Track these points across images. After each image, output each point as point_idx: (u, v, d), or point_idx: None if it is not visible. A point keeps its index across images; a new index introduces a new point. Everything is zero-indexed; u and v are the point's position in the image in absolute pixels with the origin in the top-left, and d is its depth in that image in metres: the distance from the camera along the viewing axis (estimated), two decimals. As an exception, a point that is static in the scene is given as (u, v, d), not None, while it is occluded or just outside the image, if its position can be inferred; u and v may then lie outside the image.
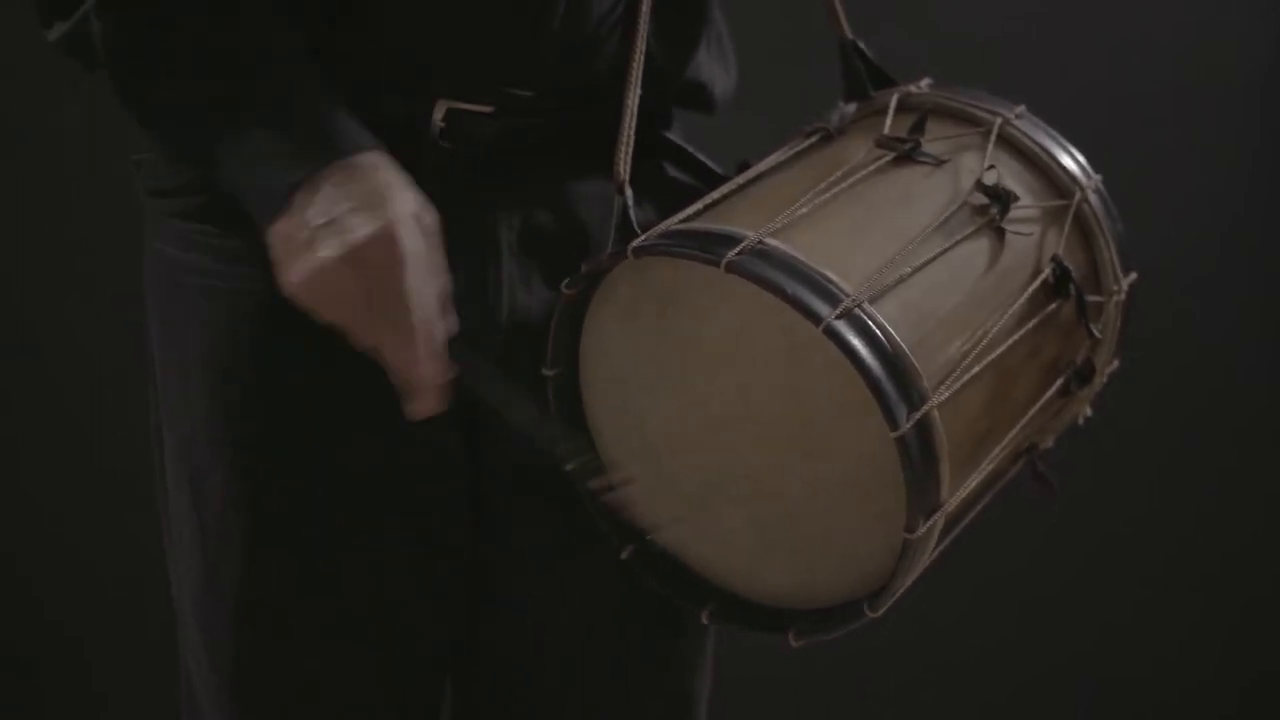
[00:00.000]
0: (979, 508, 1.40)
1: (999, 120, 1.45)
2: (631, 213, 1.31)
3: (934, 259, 1.30)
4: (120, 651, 2.50)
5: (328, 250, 1.23)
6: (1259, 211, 2.62)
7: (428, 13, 1.33)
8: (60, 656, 2.55)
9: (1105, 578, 2.68)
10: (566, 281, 1.32)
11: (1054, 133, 1.47)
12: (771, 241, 1.26)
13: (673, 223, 1.31)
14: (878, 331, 1.23)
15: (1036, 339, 1.36)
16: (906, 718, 2.72)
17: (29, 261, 2.42)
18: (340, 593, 1.42)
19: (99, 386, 2.40)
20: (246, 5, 1.29)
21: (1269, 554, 2.70)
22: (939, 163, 1.39)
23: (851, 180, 1.35)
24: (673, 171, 1.47)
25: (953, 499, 1.27)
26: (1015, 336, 1.33)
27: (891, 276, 1.27)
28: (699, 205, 1.34)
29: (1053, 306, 1.38)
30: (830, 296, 1.23)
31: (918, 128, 1.41)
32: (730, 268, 1.24)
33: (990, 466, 1.33)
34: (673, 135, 1.49)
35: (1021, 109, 1.47)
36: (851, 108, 1.50)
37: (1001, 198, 1.36)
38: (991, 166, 1.39)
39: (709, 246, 1.26)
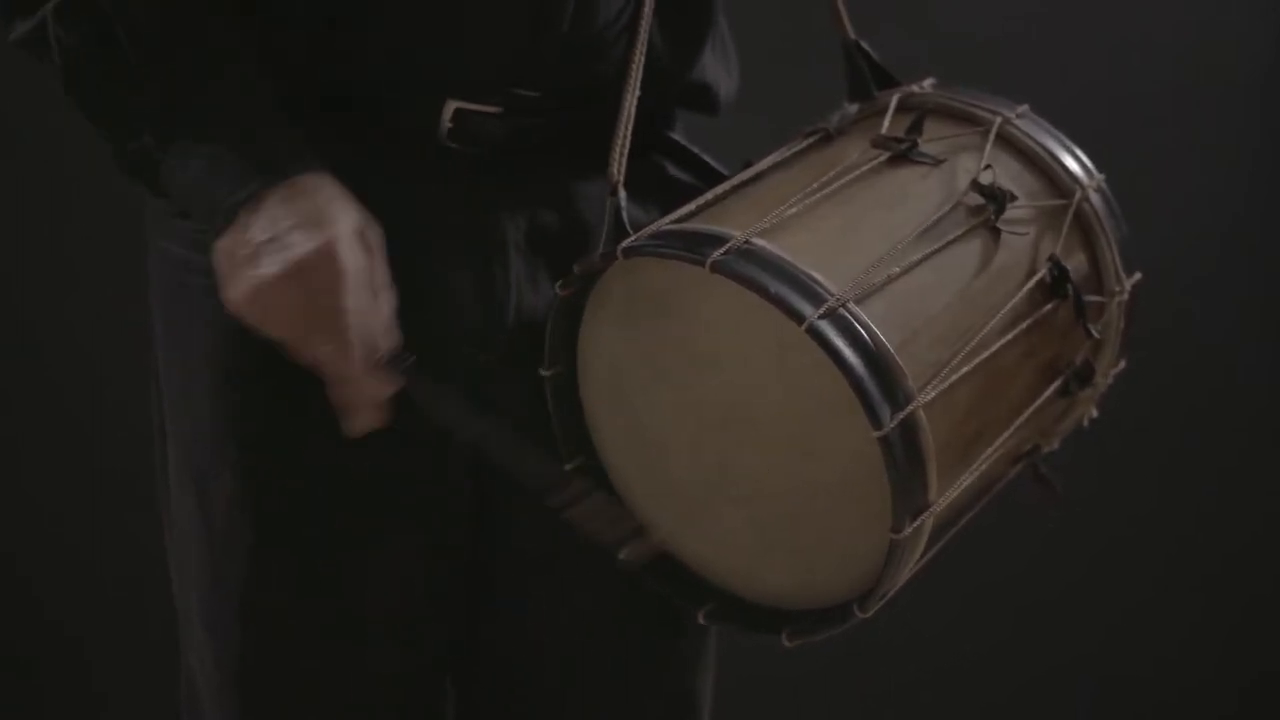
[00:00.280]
0: (978, 509, 1.40)
1: (998, 120, 1.44)
2: (624, 213, 1.31)
3: (925, 259, 1.30)
4: (120, 651, 2.50)
5: (269, 266, 1.25)
6: (1259, 211, 2.62)
7: (436, 13, 1.33)
8: (60, 656, 2.55)
9: (1106, 578, 2.67)
10: (560, 282, 1.32)
11: (1056, 132, 1.47)
12: (758, 241, 1.26)
13: (664, 223, 1.32)
14: (861, 331, 1.22)
15: (1032, 340, 1.36)
16: (907, 718, 2.72)
17: (29, 261, 2.42)
18: (341, 593, 1.42)
19: (99, 386, 2.40)
20: (205, 20, 1.30)
21: (1269, 554, 2.70)
22: (936, 162, 1.39)
23: (845, 180, 1.35)
24: (675, 171, 1.48)
25: (941, 500, 1.27)
26: (1008, 337, 1.33)
27: (879, 276, 1.27)
28: (692, 205, 1.34)
29: (1049, 307, 1.37)
30: (814, 296, 1.23)
31: (915, 127, 1.41)
32: (715, 268, 1.24)
33: (983, 468, 1.33)
34: (676, 135, 1.49)
35: (1024, 109, 1.47)
36: (854, 108, 1.50)
37: (997, 197, 1.36)
38: (988, 166, 1.38)
39: (696, 247, 1.26)
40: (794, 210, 1.30)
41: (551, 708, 1.51)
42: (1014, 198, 1.37)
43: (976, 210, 1.36)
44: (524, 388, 1.37)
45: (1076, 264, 1.41)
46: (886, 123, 1.43)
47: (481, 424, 1.33)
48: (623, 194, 1.32)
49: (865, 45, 1.52)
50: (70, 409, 2.47)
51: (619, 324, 1.34)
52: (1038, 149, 1.44)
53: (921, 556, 1.30)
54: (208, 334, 1.40)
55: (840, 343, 1.22)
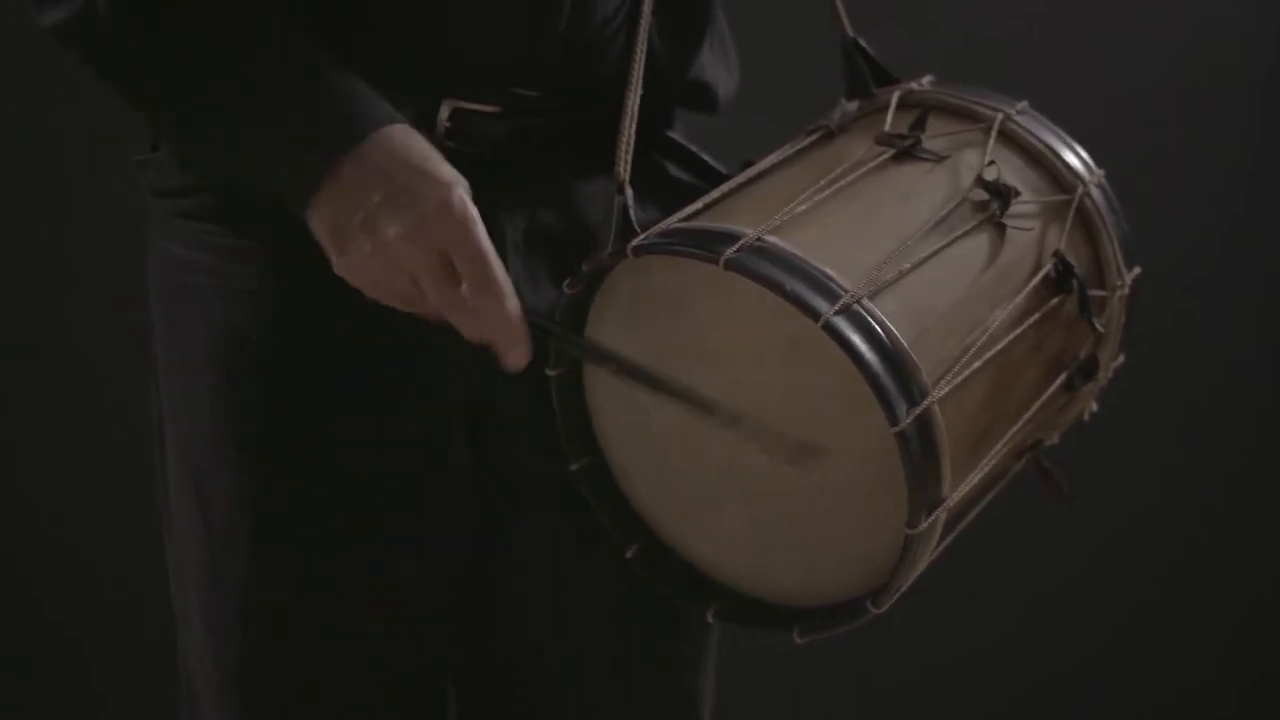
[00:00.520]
0: (982, 504, 1.40)
1: (1000, 116, 1.44)
2: (631, 212, 1.31)
3: (934, 255, 1.30)
4: (120, 651, 2.49)
5: (396, 226, 1.23)
6: (1259, 211, 2.62)
7: (433, 13, 1.33)
8: (60, 656, 2.55)
9: (1107, 577, 2.67)
10: (568, 280, 1.32)
11: (1056, 128, 1.47)
12: (770, 238, 1.26)
13: (672, 221, 1.31)
14: (877, 327, 1.23)
15: (1038, 334, 1.36)
16: (908, 718, 2.71)
17: (29, 261, 2.42)
18: (341, 593, 1.42)
19: (99, 386, 2.40)
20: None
21: (1270, 553, 2.70)
22: (940, 159, 1.39)
23: (852, 177, 1.35)
24: (675, 171, 1.48)
25: (954, 494, 1.27)
26: (1016, 332, 1.33)
27: (891, 272, 1.27)
28: (699, 204, 1.34)
29: (1055, 301, 1.38)
30: (829, 293, 1.23)
31: (918, 124, 1.41)
32: (729, 265, 1.24)
33: (993, 462, 1.33)
34: (675, 134, 1.49)
35: (1024, 105, 1.48)
36: (853, 106, 1.50)
37: (1002, 193, 1.36)
38: (992, 162, 1.39)
39: (708, 244, 1.26)
40: (803, 207, 1.30)
41: (551, 708, 1.51)
42: (1018, 193, 1.38)
43: (982, 206, 1.36)
44: (529, 388, 1.37)
45: (1079, 259, 1.41)
46: (889, 120, 1.43)
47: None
48: (630, 192, 1.32)
49: (864, 43, 1.52)
50: (70, 409, 2.47)
51: (625, 323, 1.34)
52: (1039, 145, 1.44)
53: (934, 551, 1.30)
54: (208, 334, 1.40)
55: (856, 339, 1.22)
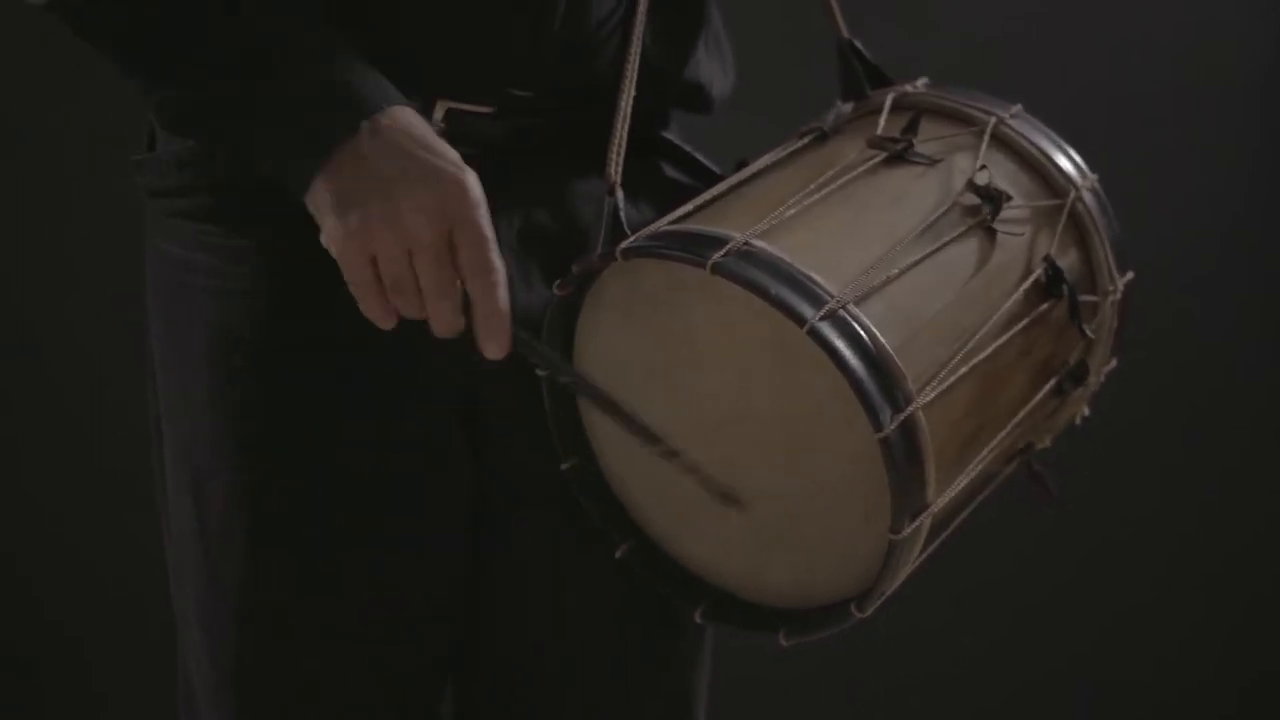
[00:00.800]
0: (972, 508, 1.40)
1: (993, 120, 1.44)
2: (622, 214, 1.31)
3: (922, 259, 1.30)
4: (120, 651, 2.50)
5: (408, 198, 1.23)
6: (1259, 211, 2.62)
7: (427, 13, 1.33)
8: (60, 656, 2.55)
9: (1104, 578, 2.67)
10: (558, 282, 1.32)
11: (1050, 132, 1.47)
12: (758, 243, 1.26)
13: (663, 224, 1.32)
14: (861, 332, 1.23)
15: (1027, 339, 1.36)
16: (901, 720, 2.72)
17: (29, 261, 2.43)
18: (341, 593, 1.42)
19: (99, 386, 2.40)
20: None
21: (1270, 553, 2.69)
22: (931, 163, 1.39)
23: (842, 181, 1.35)
24: (670, 171, 1.48)
25: (940, 500, 1.27)
26: (1005, 337, 1.33)
27: (878, 277, 1.27)
28: (690, 206, 1.34)
29: (1044, 307, 1.37)
30: (814, 298, 1.23)
31: (911, 127, 1.41)
32: (716, 269, 1.24)
33: (980, 467, 1.33)
34: (670, 135, 1.49)
35: (1017, 108, 1.47)
36: (848, 107, 1.50)
37: (993, 198, 1.36)
38: (983, 166, 1.39)
39: (696, 248, 1.26)
40: (792, 211, 1.30)
41: (551, 707, 1.51)
42: (1009, 198, 1.37)
43: (972, 210, 1.36)
44: (525, 388, 1.37)
45: (1070, 263, 1.41)
46: (882, 123, 1.43)
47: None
48: (620, 194, 1.32)
49: (859, 44, 1.52)
50: (70, 409, 2.47)
51: (616, 324, 1.34)
52: (1032, 149, 1.44)
53: (919, 556, 1.30)
54: (206, 334, 1.40)
55: (840, 344, 1.22)
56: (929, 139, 1.41)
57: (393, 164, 1.24)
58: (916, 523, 1.24)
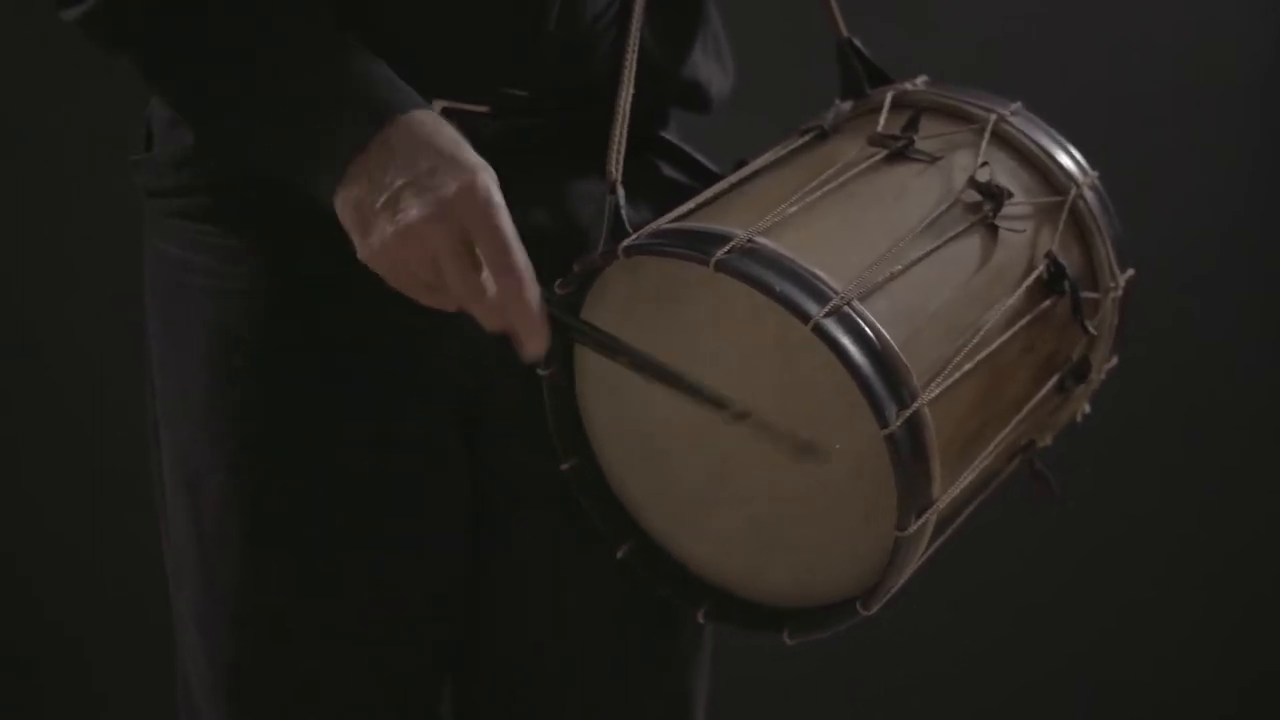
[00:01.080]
0: (974, 506, 1.40)
1: (993, 117, 1.44)
2: (623, 212, 1.31)
3: (925, 256, 1.30)
4: (120, 651, 2.49)
5: (418, 209, 1.22)
6: (1259, 211, 2.62)
7: (423, 12, 1.33)
8: (60, 657, 2.55)
9: (1104, 578, 2.67)
10: (559, 281, 1.32)
11: (1050, 129, 1.47)
12: (761, 240, 1.26)
13: (664, 222, 1.31)
14: (867, 329, 1.23)
15: (1030, 336, 1.36)
16: (901, 720, 2.72)
17: (29, 261, 2.42)
18: (339, 593, 1.42)
19: (99, 386, 2.40)
20: None
21: (1270, 553, 2.69)
22: (932, 160, 1.39)
23: (844, 178, 1.35)
24: (668, 170, 1.48)
25: (945, 497, 1.27)
26: (1008, 334, 1.33)
27: (882, 274, 1.27)
28: (691, 204, 1.34)
29: (1047, 303, 1.37)
30: (819, 294, 1.23)
31: (911, 125, 1.41)
32: (719, 266, 1.24)
33: (984, 464, 1.33)
34: (669, 134, 1.49)
35: (1017, 105, 1.47)
36: (847, 106, 1.50)
37: (994, 194, 1.36)
38: (985, 163, 1.39)
39: (699, 245, 1.26)
40: (794, 208, 1.30)
41: (551, 708, 1.51)
42: (1011, 195, 1.37)
43: (974, 207, 1.36)
44: (524, 388, 1.37)
45: (1072, 260, 1.41)
46: (882, 120, 1.43)
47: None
48: (621, 192, 1.32)
49: (858, 43, 1.52)
50: (70, 409, 2.47)
51: (618, 322, 1.34)
52: (1032, 146, 1.44)
53: (923, 553, 1.30)
54: (204, 334, 1.40)
55: (846, 341, 1.22)
56: (929, 136, 1.41)
57: (399, 176, 1.23)
58: (922, 519, 1.24)
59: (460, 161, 1.23)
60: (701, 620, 1.40)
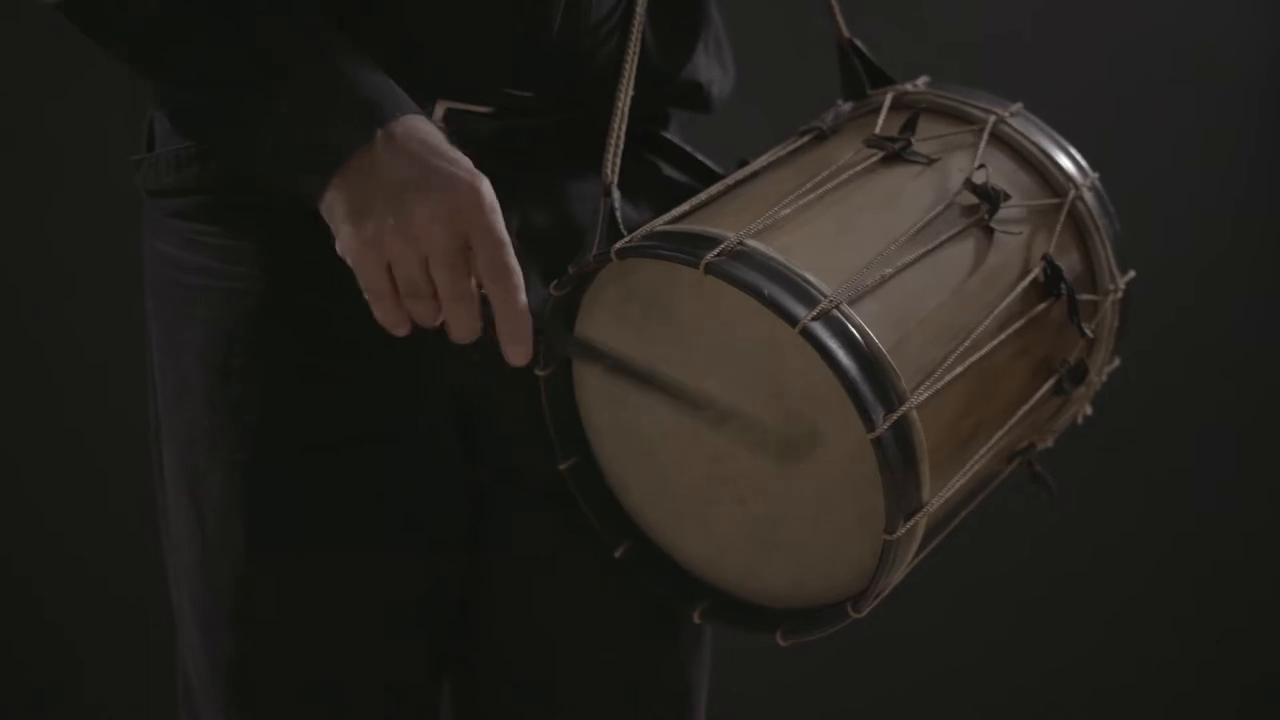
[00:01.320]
0: (971, 508, 1.40)
1: (992, 118, 1.44)
2: (618, 214, 1.31)
3: (918, 259, 1.30)
4: (120, 652, 2.50)
5: (423, 206, 1.23)
6: (1259, 211, 2.62)
7: (426, 13, 1.33)
8: (60, 657, 2.55)
9: (1103, 579, 2.67)
10: (555, 283, 1.32)
11: (1050, 130, 1.47)
12: (752, 243, 1.26)
13: (658, 224, 1.31)
14: (855, 332, 1.22)
15: (1025, 339, 1.36)
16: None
17: (29, 261, 2.43)
18: (339, 592, 1.42)
19: (99, 386, 2.40)
20: None
21: (1271, 554, 2.69)
22: (929, 162, 1.39)
23: (838, 180, 1.35)
24: (670, 171, 1.48)
25: (935, 500, 1.27)
26: (1001, 336, 1.32)
27: (873, 277, 1.27)
28: (686, 206, 1.34)
29: (1043, 306, 1.37)
30: (808, 298, 1.23)
31: (908, 126, 1.41)
32: (709, 269, 1.24)
33: (977, 467, 1.33)
34: (670, 135, 1.48)
35: (1017, 107, 1.47)
36: (847, 106, 1.50)
37: (990, 197, 1.36)
38: (981, 165, 1.38)
39: (689, 248, 1.26)
40: (787, 211, 1.30)
41: (550, 707, 1.51)
42: (1007, 197, 1.37)
43: (970, 210, 1.36)
44: (522, 387, 1.37)
45: (1070, 263, 1.41)
46: (880, 122, 1.42)
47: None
48: (616, 194, 1.32)
49: (859, 44, 1.52)
50: (70, 409, 2.47)
51: (613, 324, 1.34)
52: (1031, 148, 1.44)
53: (915, 556, 1.30)
54: (202, 334, 1.40)
55: (833, 344, 1.21)
56: (927, 138, 1.41)
57: (406, 172, 1.23)
58: (911, 523, 1.24)
59: (464, 165, 1.24)
60: (698, 620, 1.40)
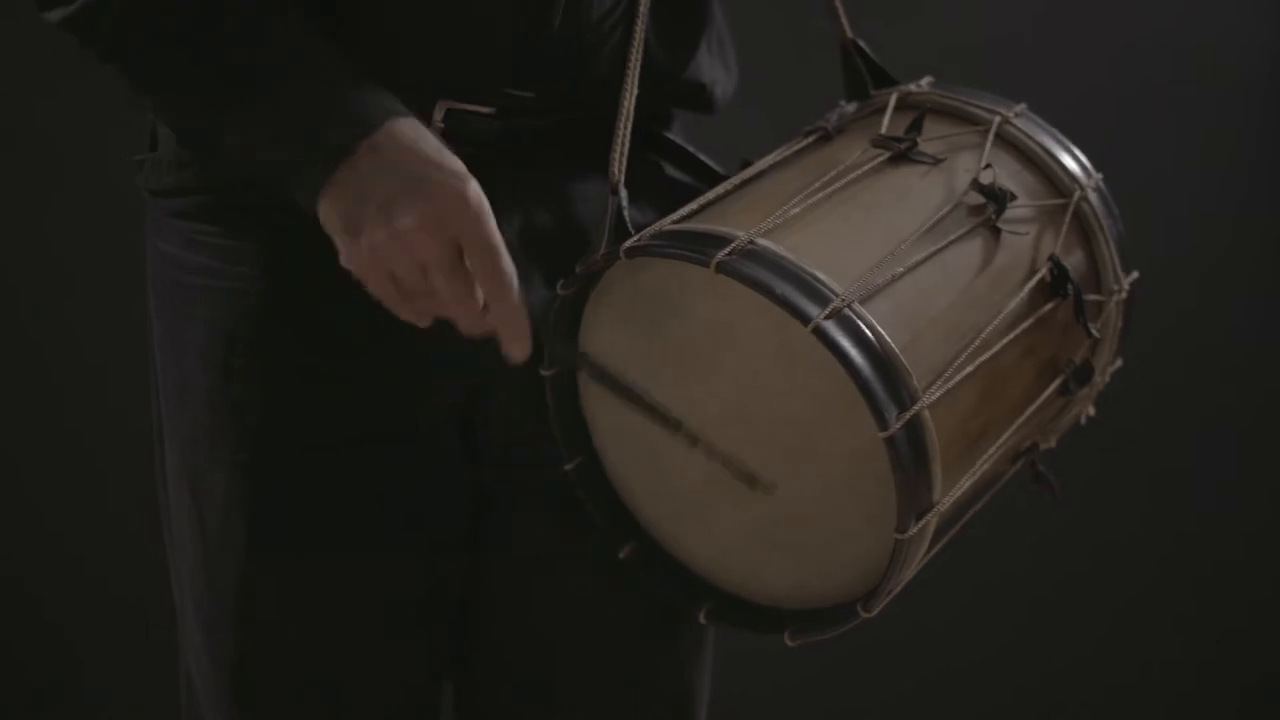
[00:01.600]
0: (976, 508, 1.40)
1: (997, 119, 1.44)
2: (625, 213, 1.31)
3: (927, 259, 1.30)
4: (120, 652, 2.50)
5: (412, 216, 1.23)
6: (1260, 211, 2.62)
7: (428, 13, 1.33)
8: (60, 657, 2.55)
9: (1104, 580, 2.67)
10: (562, 282, 1.32)
11: (1054, 131, 1.47)
12: (762, 242, 1.26)
13: (666, 223, 1.31)
14: (867, 332, 1.22)
15: (1032, 338, 1.36)
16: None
17: (29, 261, 2.42)
18: (340, 593, 1.42)
19: (99, 386, 2.40)
20: None
21: (1272, 554, 2.69)
22: (936, 162, 1.39)
23: (846, 180, 1.35)
24: (673, 171, 1.47)
25: (946, 499, 1.27)
26: (1010, 336, 1.32)
27: (883, 276, 1.27)
28: (694, 205, 1.34)
29: (1049, 306, 1.37)
30: (820, 297, 1.23)
31: (915, 127, 1.41)
32: (720, 268, 1.24)
33: (985, 467, 1.33)
34: (673, 135, 1.48)
35: (1021, 107, 1.47)
36: (851, 107, 1.50)
37: (997, 197, 1.36)
38: (988, 165, 1.38)
39: (700, 247, 1.26)
40: (796, 210, 1.30)
41: (552, 707, 1.51)
42: (1014, 197, 1.37)
43: (977, 209, 1.36)
44: (525, 387, 1.37)
45: (1075, 263, 1.41)
46: (886, 122, 1.42)
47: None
48: (624, 193, 1.32)
49: (863, 44, 1.52)
50: (70, 409, 2.47)
51: (620, 323, 1.34)
52: (1036, 148, 1.44)
53: (924, 556, 1.30)
54: (203, 334, 1.40)
55: (846, 343, 1.21)
56: (933, 138, 1.41)
57: (391, 182, 1.24)
58: (922, 522, 1.24)
59: (449, 168, 1.25)
60: (703, 621, 1.39)
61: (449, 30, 1.34)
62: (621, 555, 1.40)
